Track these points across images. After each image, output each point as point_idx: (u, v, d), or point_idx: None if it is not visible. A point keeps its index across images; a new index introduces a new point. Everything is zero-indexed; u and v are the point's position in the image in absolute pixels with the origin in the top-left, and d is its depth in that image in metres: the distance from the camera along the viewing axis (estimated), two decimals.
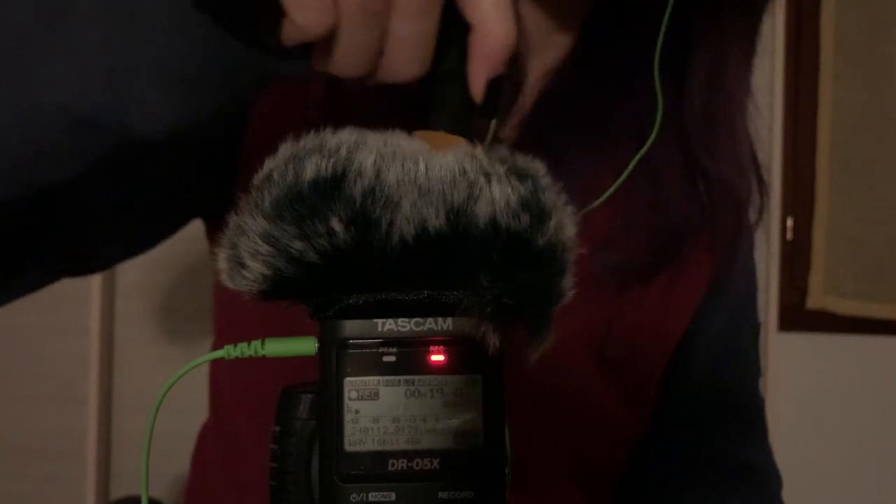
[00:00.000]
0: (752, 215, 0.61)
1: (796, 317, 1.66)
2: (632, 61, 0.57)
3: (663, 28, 0.48)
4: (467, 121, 0.33)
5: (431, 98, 0.34)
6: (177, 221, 0.57)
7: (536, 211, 0.27)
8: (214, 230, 0.59)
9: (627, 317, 0.57)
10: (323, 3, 0.29)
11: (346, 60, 0.31)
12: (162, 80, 0.30)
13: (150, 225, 0.55)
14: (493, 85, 0.32)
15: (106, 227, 0.51)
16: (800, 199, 1.66)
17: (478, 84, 0.32)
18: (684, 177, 0.58)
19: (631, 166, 0.49)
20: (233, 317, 0.59)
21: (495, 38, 0.31)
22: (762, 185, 0.61)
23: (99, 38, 0.30)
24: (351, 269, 0.27)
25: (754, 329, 0.68)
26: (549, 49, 0.58)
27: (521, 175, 0.27)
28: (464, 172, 0.27)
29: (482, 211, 0.26)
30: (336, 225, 0.26)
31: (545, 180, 0.28)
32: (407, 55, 0.31)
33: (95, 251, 0.52)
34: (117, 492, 1.57)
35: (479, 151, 0.28)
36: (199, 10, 0.29)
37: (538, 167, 0.29)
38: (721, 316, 0.62)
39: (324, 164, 0.27)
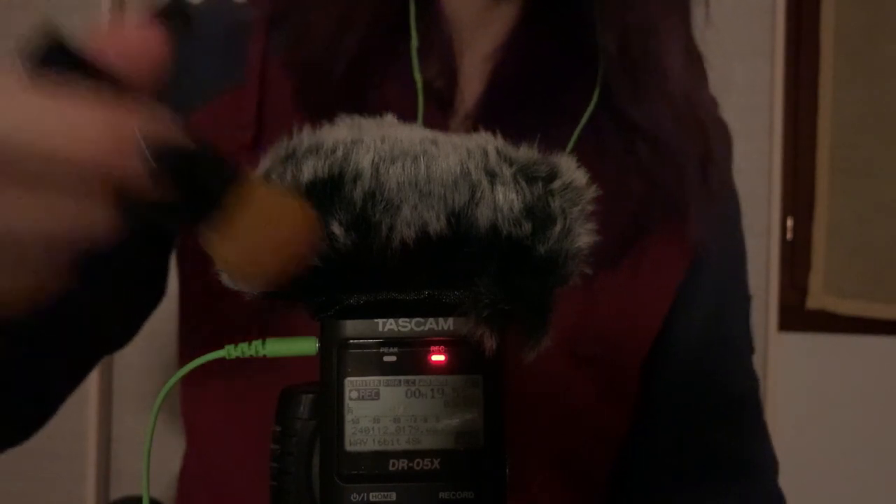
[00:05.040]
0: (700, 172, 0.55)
1: (796, 317, 1.65)
2: (579, 25, 0.54)
3: None
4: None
5: None
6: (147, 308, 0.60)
7: (541, 217, 0.26)
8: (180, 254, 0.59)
9: (598, 311, 0.55)
10: None
11: None
12: None
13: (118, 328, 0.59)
14: None
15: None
16: (800, 199, 1.66)
17: None
18: (626, 150, 0.54)
19: (572, 142, 0.48)
20: (195, 324, 0.58)
21: None
22: (702, 130, 0.56)
23: None
24: (351, 270, 0.27)
25: (744, 302, 0.63)
26: (496, 22, 0.56)
27: (530, 178, 0.27)
28: (466, 173, 0.26)
29: (483, 215, 0.26)
30: (336, 229, 0.26)
31: (562, 182, 0.28)
32: None
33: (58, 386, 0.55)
34: (117, 492, 1.57)
35: (491, 147, 0.28)
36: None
37: (558, 165, 0.28)
38: (704, 297, 0.59)
39: (321, 166, 0.26)
